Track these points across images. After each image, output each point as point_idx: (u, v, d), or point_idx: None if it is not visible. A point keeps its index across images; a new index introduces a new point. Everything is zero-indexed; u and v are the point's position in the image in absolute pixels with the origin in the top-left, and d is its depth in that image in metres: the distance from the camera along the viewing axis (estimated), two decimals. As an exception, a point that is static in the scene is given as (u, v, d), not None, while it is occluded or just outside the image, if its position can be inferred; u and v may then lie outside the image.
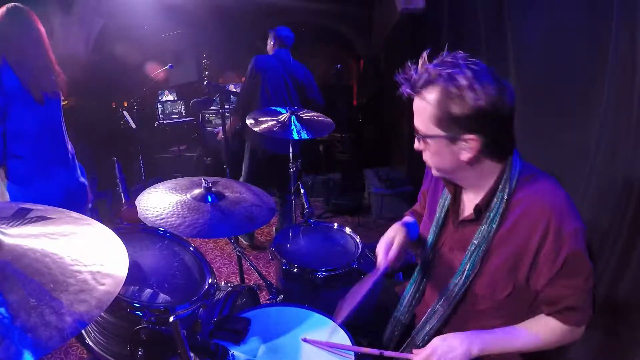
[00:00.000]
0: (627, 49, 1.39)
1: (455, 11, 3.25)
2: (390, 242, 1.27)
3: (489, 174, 1.12)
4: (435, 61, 1.06)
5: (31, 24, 1.99)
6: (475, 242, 1.13)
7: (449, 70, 1.01)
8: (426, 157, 1.15)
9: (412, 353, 1.15)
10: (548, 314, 1.11)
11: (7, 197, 2.02)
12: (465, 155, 1.07)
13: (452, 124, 1.03)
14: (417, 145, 1.14)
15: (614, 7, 1.44)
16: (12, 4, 1.96)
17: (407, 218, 1.50)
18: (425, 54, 1.07)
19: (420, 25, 4.23)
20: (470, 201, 1.19)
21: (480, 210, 1.13)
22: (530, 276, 1.09)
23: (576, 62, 1.71)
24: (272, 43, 3.45)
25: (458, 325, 1.20)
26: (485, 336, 1.11)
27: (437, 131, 1.06)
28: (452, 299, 1.18)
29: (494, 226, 1.10)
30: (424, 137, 1.09)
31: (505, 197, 1.09)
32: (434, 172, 1.18)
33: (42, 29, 2.03)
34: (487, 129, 1.03)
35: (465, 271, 1.14)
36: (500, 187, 1.10)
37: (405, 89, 1.09)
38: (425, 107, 1.05)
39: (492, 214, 1.11)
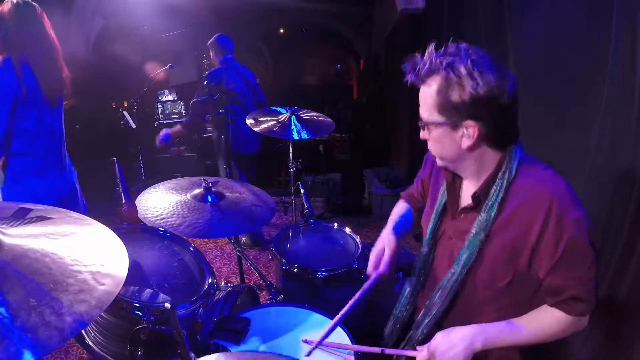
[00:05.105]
0: (627, 49, 1.39)
1: (455, 11, 3.25)
2: (380, 254, 1.31)
3: (489, 163, 1.13)
4: (439, 51, 1.09)
5: (40, 19, 1.99)
6: (474, 230, 1.13)
7: (450, 59, 1.05)
8: (430, 145, 1.18)
9: (415, 350, 1.15)
10: (552, 305, 1.10)
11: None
12: (466, 143, 1.09)
13: (452, 111, 1.07)
14: (423, 134, 1.17)
15: (614, 7, 1.44)
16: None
17: (400, 208, 1.55)
18: (432, 45, 1.10)
19: (420, 25, 4.24)
20: (469, 190, 1.19)
21: (479, 198, 1.14)
22: (531, 264, 1.08)
23: (576, 62, 1.71)
24: (213, 53, 3.53)
25: (457, 317, 1.19)
26: (489, 329, 1.10)
27: (439, 118, 1.09)
28: (449, 290, 1.18)
29: (492, 214, 1.10)
30: (427, 124, 1.13)
31: (505, 184, 1.10)
32: (439, 162, 1.21)
33: (50, 26, 2.02)
34: (486, 117, 1.06)
35: (463, 260, 1.14)
36: (500, 175, 1.11)
37: (410, 77, 1.12)
38: (429, 95, 1.09)
39: (490, 202, 1.11)
